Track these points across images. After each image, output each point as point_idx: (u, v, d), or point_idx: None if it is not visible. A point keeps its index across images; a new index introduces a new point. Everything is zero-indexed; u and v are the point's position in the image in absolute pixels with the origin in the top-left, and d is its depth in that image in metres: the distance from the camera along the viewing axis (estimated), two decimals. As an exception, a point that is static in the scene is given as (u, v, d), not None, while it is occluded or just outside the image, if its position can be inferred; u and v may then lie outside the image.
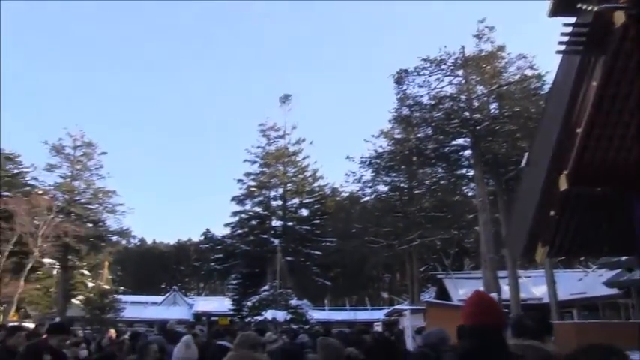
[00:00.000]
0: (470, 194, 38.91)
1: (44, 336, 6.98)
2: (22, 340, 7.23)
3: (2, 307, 39.33)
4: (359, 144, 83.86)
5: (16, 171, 48.39)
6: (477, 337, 2.87)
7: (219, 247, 51.93)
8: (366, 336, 9.31)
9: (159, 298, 51.44)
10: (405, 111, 32.60)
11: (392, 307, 34.78)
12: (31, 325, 20.59)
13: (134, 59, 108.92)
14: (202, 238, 64.36)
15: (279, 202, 49.08)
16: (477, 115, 30.46)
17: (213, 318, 43.55)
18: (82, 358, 9.56)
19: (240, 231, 48.57)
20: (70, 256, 45.79)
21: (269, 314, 33.82)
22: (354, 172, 41.52)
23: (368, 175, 41.70)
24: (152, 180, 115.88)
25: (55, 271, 46.46)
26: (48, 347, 5.79)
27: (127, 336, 12.13)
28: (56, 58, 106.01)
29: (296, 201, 49.81)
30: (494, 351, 2.82)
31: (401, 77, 31.59)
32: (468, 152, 32.26)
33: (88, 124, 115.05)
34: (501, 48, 30.96)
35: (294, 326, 30.11)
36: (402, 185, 42.92)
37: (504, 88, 29.92)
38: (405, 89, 31.81)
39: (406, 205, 41.64)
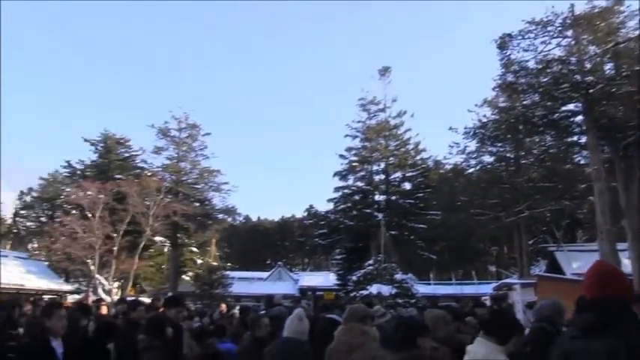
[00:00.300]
0: (582, 162, 36.34)
1: (161, 309, 7.41)
2: (143, 314, 7.93)
3: (120, 283, 41.81)
4: (462, 114, 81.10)
5: (126, 155, 51.14)
6: (598, 311, 2.75)
7: (322, 222, 52.10)
8: (480, 309, 8.90)
9: (265, 274, 52.57)
10: (510, 77, 30.70)
11: (500, 281, 33.39)
12: (147, 300, 21.59)
13: (232, 36, 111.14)
14: (306, 214, 65.09)
15: (382, 177, 48.39)
16: (590, 78, 27.99)
17: (318, 293, 43.95)
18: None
19: (343, 206, 48.45)
20: (179, 235, 47.82)
21: (374, 289, 33.45)
22: (457, 144, 39.87)
23: (472, 145, 39.92)
24: (255, 158, 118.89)
25: (166, 249, 48.81)
26: (168, 320, 6.01)
27: (236, 310, 12.73)
28: (165, 47, 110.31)
29: (399, 174, 48.87)
30: (620, 325, 2.66)
31: (504, 42, 29.72)
32: (579, 118, 29.84)
33: (192, 105, 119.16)
34: (618, 2, 28.22)
35: (400, 300, 29.68)
36: (508, 155, 40.93)
37: (622, 45, 27.28)
38: (509, 54, 29.87)
39: (513, 176, 39.69)
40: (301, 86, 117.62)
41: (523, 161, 40.20)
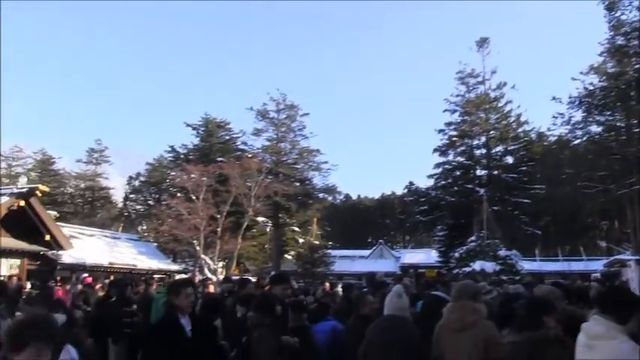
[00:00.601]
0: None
1: (267, 287, 7.75)
2: (252, 291, 8.23)
3: (224, 263, 42.75)
4: (565, 83, 76.32)
5: (227, 137, 52.18)
6: None
7: (423, 199, 50.97)
8: (594, 284, 8.56)
9: (366, 252, 52.27)
10: (620, 40, 28.26)
11: (612, 258, 31.21)
12: (252, 279, 21.61)
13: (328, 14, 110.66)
14: (406, 191, 64.17)
15: (483, 151, 46.59)
16: None
17: (420, 270, 43.23)
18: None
19: (444, 182, 47.10)
20: (280, 214, 48.31)
21: (477, 265, 32.20)
22: (561, 114, 37.30)
23: (578, 115, 37.20)
24: (355, 137, 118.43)
25: (268, 229, 49.41)
26: (276, 297, 6.07)
27: (339, 288, 13.09)
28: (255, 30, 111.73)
29: (500, 148, 46.75)
30: None
31: (613, 2, 27.27)
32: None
33: (290, 86, 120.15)
34: None
35: (504, 277, 28.32)
36: (618, 124, 37.80)
37: None
38: (619, 16, 27.46)
39: (624, 146, 36.52)
40: (399, 61, 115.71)
41: (635, 130, 37.03)
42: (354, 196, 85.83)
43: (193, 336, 4.78)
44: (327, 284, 14.51)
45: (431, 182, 48.53)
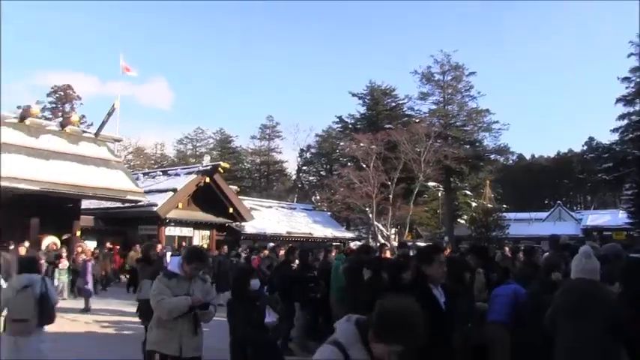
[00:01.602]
0: None
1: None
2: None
3: (397, 229, 42.99)
4: None
5: (393, 104, 52.08)
6: None
7: (606, 155, 46.81)
8: None
9: (542, 215, 49.53)
10: None
11: None
12: (423, 244, 21.54)
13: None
14: (585, 147, 59.88)
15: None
16: None
17: (605, 233, 40.10)
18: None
19: (630, 135, 42.75)
20: (451, 179, 47.37)
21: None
22: None
23: None
24: (525, 94, 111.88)
25: (439, 194, 48.73)
26: (467, 264, 5.96)
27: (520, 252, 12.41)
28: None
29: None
30: None
31: None
32: None
33: (454, 45, 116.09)
34: None
35: None
36: None
37: None
38: None
39: None
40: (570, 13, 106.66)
41: None
42: (528, 156, 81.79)
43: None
44: (507, 248, 14.16)
45: (615, 136, 44.34)
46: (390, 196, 38.20)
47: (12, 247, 15.41)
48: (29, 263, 6.58)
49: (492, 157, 50.78)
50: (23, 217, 23.27)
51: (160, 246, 12.57)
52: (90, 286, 15.42)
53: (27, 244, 17.15)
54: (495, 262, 9.03)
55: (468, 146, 46.48)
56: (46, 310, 6.16)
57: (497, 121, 48.18)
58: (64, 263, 16.47)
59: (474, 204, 48.42)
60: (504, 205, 51.41)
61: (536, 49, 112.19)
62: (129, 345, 9.01)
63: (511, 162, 69.12)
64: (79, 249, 18.01)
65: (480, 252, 6.74)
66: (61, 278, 16.24)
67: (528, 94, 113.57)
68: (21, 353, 5.97)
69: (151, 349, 4.81)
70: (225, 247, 20.61)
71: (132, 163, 58.31)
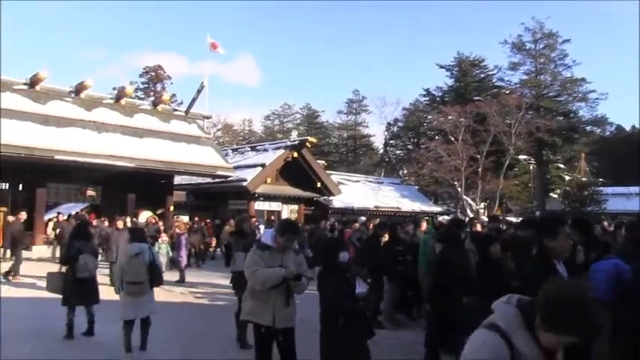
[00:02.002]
0: None
1: None
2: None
3: (486, 204, 42.34)
4: None
5: (482, 75, 50.88)
6: None
7: None
8: None
9: (644, 189, 46.99)
10: None
11: None
12: (513, 219, 21.28)
13: None
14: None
15: None
16: None
17: None
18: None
19: None
20: (544, 151, 45.94)
21: None
22: None
23: None
24: (625, 60, 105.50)
25: (531, 167, 47.37)
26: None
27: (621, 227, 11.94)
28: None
29: None
30: None
31: None
32: None
33: (546, 13, 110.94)
34: None
35: None
36: None
37: None
38: None
39: None
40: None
41: None
42: (628, 127, 77.34)
43: None
44: (606, 223, 14.16)
45: None
46: (479, 170, 37.61)
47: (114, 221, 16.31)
48: (138, 234, 7.75)
49: (588, 128, 48.81)
50: (121, 193, 24.97)
51: (253, 219, 13.15)
52: (184, 258, 15.82)
53: (128, 219, 18.07)
54: (596, 237, 8.77)
55: (561, 117, 44.82)
56: (155, 274, 7.25)
57: (593, 91, 46.14)
58: (164, 237, 16.80)
59: (567, 177, 46.66)
60: (601, 179, 49.05)
61: (636, 9, 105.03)
62: (223, 315, 9.47)
63: (609, 133, 65.82)
64: (178, 223, 18.58)
65: (582, 227, 6.32)
66: (161, 252, 16.26)
67: (629, 60, 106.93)
68: (137, 311, 7.07)
69: (245, 319, 5.07)
70: (326, 221, 21.18)
71: (221, 140, 60.17)
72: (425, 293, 7.93)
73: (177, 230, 16.92)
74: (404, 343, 7.93)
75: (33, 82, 23.45)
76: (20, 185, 23.94)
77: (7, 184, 23.64)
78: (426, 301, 8.06)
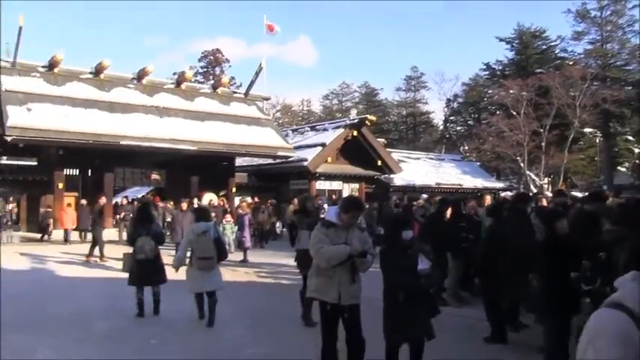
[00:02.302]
0: None
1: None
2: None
3: (550, 179, 41.33)
4: None
5: (544, 47, 49.23)
6: None
7: None
8: None
9: None
10: None
11: None
12: (579, 194, 20.81)
13: None
14: None
15: None
16: None
17: None
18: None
19: None
20: (611, 123, 44.25)
21: None
22: None
23: None
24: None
25: (597, 140, 45.77)
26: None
27: None
28: None
29: None
30: None
31: None
32: None
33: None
34: None
35: None
36: None
37: None
38: None
39: None
40: None
41: None
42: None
43: None
44: None
45: None
46: (543, 144, 36.74)
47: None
48: (203, 213, 8.50)
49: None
50: (185, 176, 25.78)
51: (316, 197, 13.24)
52: (247, 238, 15.90)
53: (195, 200, 18.67)
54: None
55: (630, 87, 42.81)
56: (221, 250, 7.98)
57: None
58: (228, 218, 16.93)
59: (637, 150, 44.89)
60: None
61: None
62: (287, 294, 9.77)
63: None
64: (244, 204, 18.63)
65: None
66: (226, 232, 16.17)
67: None
68: (205, 285, 7.70)
69: (310, 296, 5.08)
70: (395, 197, 21.07)
71: (280, 121, 60.77)
72: (475, 267, 7.95)
73: (240, 211, 16.98)
74: (468, 320, 7.92)
75: (97, 70, 24.53)
76: (89, 171, 25.17)
77: (77, 170, 24.90)
78: (476, 275, 8.08)
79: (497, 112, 44.94)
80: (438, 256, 8.56)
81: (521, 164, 37.76)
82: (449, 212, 9.82)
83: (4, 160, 29.19)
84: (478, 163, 42.58)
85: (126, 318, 7.92)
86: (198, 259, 7.58)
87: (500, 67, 51.45)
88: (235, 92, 30.99)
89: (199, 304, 7.83)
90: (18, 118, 20.17)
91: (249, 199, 23.07)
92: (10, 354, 6.05)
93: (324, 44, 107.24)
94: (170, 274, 8.20)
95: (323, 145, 29.00)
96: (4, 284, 9.58)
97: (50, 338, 6.82)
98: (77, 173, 24.97)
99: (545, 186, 38.77)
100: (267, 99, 33.86)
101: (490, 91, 52.17)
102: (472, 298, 9.43)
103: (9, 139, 19.72)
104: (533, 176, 38.44)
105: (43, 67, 23.51)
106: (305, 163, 27.81)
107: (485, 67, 53.15)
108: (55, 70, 23.47)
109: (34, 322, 7.72)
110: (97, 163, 24.23)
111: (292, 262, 8.51)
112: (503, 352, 6.32)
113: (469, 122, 58.74)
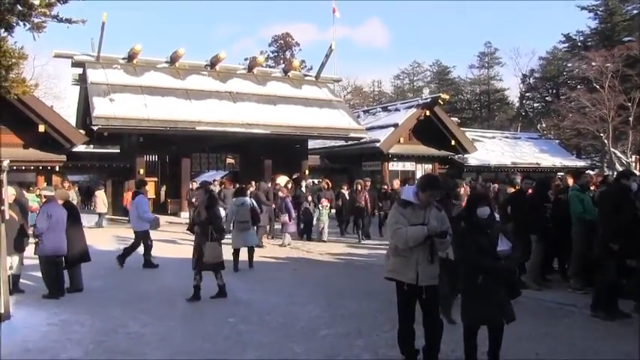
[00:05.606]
0: None
1: None
2: None
3: (638, 156, 39.18)
4: None
5: (634, 12, 45.71)
6: None
7: None
8: None
9: None
10: None
11: None
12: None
13: None
14: None
15: None
16: None
17: None
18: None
19: None
20: None
21: None
22: None
23: None
24: None
25: None
26: None
27: None
28: None
29: None
30: None
31: None
32: None
33: None
34: None
35: None
36: None
37: None
38: None
39: None
40: None
41: None
42: None
43: None
44: None
45: None
46: (630, 119, 34.70)
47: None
48: (241, 191, 12.28)
49: None
50: (258, 159, 26.24)
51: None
52: (291, 223, 15.31)
53: (269, 183, 18.36)
54: None
55: None
56: (255, 216, 11.87)
57: None
58: (324, 203, 16.21)
59: None
60: None
61: None
62: (361, 274, 10.47)
63: None
64: (284, 187, 16.97)
65: None
66: (322, 219, 15.97)
67: None
68: (243, 241, 11.19)
69: (388, 276, 4.94)
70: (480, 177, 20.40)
71: (351, 102, 60.46)
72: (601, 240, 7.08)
73: (281, 194, 15.70)
74: (550, 304, 7.67)
75: (173, 59, 25.40)
76: (167, 157, 26.04)
77: (156, 156, 25.86)
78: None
79: (578, 87, 42.96)
80: (521, 237, 8.00)
81: (605, 141, 35.94)
82: (530, 191, 9.39)
83: (92, 149, 30.77)
84: (557, 141, 41.02)
85: (204, 298, 8.06)
86: (239, 223, 11.19)
87: (581, 38, 48.86)
88: (306, 75, 31.15)
89: (235, 258, 10.79)
90: (103, 108, 21.26)
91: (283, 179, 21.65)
92: (106, 325, 6.59)
93: (395, 24, 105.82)
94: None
95: (395, 125, 28.78)
96: (98, 265, 10.16)
97: (141, 314, 7.17)
98: (156, 159, 25.96)
99: (633, 164, 36.72)
100: (338, 81, 33.78)
101: (570, 65, 50.06)
102: (554, 281, 9.11)
103: (95, 128, 20.84)
104: (619, 154, 36.50)
105: (123, 59, 24.62)
106: (377, 144, 27.72)
107: (564, 38, 50.66)
108: (134, 61, 24.52)
109: (127, 298, 8.19)
110: (174, 149, 25.10)
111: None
112: (589, 339, 5.97)
113: (547, 98, 56.40)
